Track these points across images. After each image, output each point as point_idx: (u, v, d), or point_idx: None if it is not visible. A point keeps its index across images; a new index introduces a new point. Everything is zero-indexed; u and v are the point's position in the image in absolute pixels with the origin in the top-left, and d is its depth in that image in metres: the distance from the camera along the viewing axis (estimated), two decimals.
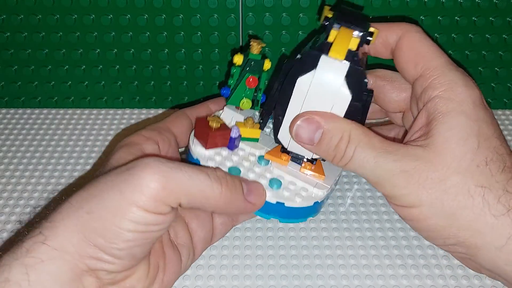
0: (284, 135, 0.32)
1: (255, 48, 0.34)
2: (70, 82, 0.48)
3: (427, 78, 0.30)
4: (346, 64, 0.29)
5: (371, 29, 0.30)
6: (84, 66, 0.47)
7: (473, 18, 0.44)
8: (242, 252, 0.35)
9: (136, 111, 0.49)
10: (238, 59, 0.34)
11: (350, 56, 0.29)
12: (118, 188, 0.24)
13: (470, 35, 0.45)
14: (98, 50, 0.45)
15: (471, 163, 0.27)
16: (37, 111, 0.49)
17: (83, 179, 0.41)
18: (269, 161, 0.33)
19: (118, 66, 0.46)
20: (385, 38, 0.32)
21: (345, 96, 0.29)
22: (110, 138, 0.45)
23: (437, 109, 0.29)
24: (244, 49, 0.35)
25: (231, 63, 0.35)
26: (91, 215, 0.24)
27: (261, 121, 0.34)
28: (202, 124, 0.33)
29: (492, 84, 0.48)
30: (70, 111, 0.49)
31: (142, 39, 0.45)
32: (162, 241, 0.29)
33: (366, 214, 0.38)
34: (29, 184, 0.40)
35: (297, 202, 0.31)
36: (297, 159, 0.33)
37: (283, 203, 0.31)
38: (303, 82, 0.30)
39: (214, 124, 0.32)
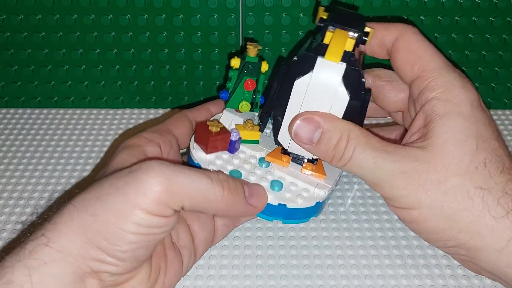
0: (284, 136, 0.32)
1: (252, 51, 0.34)
2: (70, 82, 0.48)
3: (424, 80, 0.30)
4: (343, 66, 0.29)
5: (367, 29, 0.30)
6: (84, 66, 0.47)
7: (473, 18, 0.44)
8: (242, 252, 0.35)
9: (136, 111, 0.49)
10: (235, 62, 0.34)
11: (347, 57, 0.29)
12: (121, 191, 0.24)
13: (470, 35, 0.45)
14: (98, 50, 0.45)
15: (469, 165, 0.27)
16: (37, 111, 0.49)
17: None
18: (270, 162, 0.33)
19: (118, 66, 0.46)
20: (381, 38, 0.32)
21: (343, 97, 0.29)
22: (110, 138, 0.45)
23: (435, 111, 0.29)
24: (245, 48, 0.35)
25: (228, 66, 0.35)
26: (94, 217, 0.24)
27: (261, 123, 0.34)
28: (202, 129, 0.33)
29: (492, 84, 0.48)
30: (70, 111, 0.49)
31: (142, 39, 0.45)
32: (164, 243, 0.29)
33: (366, 214, 0.38)
34: (29, 184, 0.40)
35: (299, 203, 0.31)
36: (297, 159, 0.33)
37: (285, 205, 0.31)
38: (301, 84, 0.30)
39: (213, 129, 0.33)
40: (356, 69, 0.29)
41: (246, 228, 0.36)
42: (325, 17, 0.30)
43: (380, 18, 0.44)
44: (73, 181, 0.40)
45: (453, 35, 0.45)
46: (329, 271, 0.33)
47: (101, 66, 0.47)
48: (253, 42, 0.35)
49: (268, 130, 0.36)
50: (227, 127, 0.34)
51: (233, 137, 0.33)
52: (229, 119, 0.35)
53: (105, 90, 0.48)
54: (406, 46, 0.31)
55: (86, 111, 0.49)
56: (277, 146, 0.34)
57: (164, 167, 0.25)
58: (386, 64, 0.35)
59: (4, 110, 0.49)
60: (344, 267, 0.33)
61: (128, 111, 0.49)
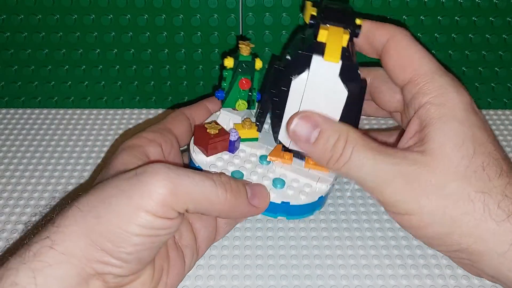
0: (284, 135, 0.32)
1: (245, 50, 0.34)
2: (70, 82, 0.48)
3: (416, 84, 0.30)
4: (339, 62, 0.29)
5: (358, 22, 0.30)
6: (84, 66, 0.47)
7: (473, 18, 0.44)
8: (242, 252, 0.35)
9: (136, 111, 0.49)
10: (229, 62, 0.34)
11: (342, 53, 0.29)
12: (126, 193, 0.25)
13: (470, 35, 0.45)
14: (98, 50, 0.45)
15: (468, 169, 0.27)
16: (37, 111, 0.49)
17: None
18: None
19: (118, 66, 0.46)
20: (371, 39, 0.32)
21: (341, 93, 0.29)
22: (110, 138, 0.45)
23: (430, 115, 0.29)
24: (238, 48, 0.35)
25: (222, 67, 0.35)
26: (98, 219, 0.24)
27: (258, 123, 0.34)
28: (201, 132, 0.33)
29: (492, 84, 0.48)
30: (70, 111, 0.49)
31: (142, 39, 0.45)
32: (167, 244, 0.29)
33: (366, 214, 0.38)
34: (29, 184, 0.40)
35: (302, 200, 0.31)
36: (299, 155, 0.33)
37: (288, 202, 0.31)
38: (298, 83, 0.30)
39: (212, 131, 0.33)
40: (352, 63, 0.29)
41: (246, 228, 0.36)
42: (314, 13, 0.30)
43: (380, 18, 0.44)
44: (73, 181, 0.40)
45: (453, 35, 0.45)
46: (329, 271, 0.33)
47: (101, 66, 0.47)
48: (245, 41, 0.35)
49: (267, 125, 0.36)
50: (225, 126, 0.35)
51: (232, 137, 0.33)
52: (226, 118, 0.35)
53: (105, 90, 0.48)
54: (397, 50, 0.31)
55: (86, 111, 0.49)
56: (276, 144, 0.34)
57: (169, 170, 0.25)
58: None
59: (4, 110, 0.49)
60: (344, 267, 0.33)
61: (128, 111, 0.49)
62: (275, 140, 0.34)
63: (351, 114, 0.31)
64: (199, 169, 0.33)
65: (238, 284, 0.32)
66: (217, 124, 0.34)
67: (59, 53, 0.46)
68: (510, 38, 0.45)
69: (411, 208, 0.28)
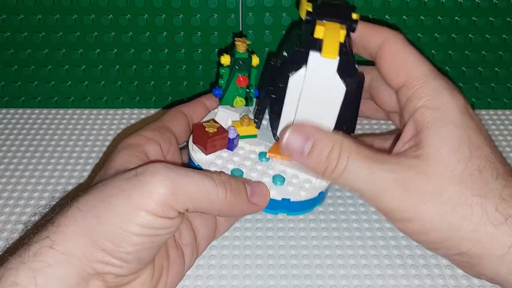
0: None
1: (241, 47, 0.34)
2: (70, 82, 0.48)
3: (410, 88, 0.30)
4: (337, 58, 0.29)
5: (354, 16, 0.30)
6: (84, 66, 0.47)
7: (473, 18, 0.44)
8: (242, 252, 0.35)
9: (136, 111, 0.49)
10: (225, 60, 0.34)
11: (340, 48, 0.29)
12: (126, 193, 0.25)
13: (470, 35, 0.45)
14: (98, 50, 0.46)
15: (464, 173, 0.27)
16: (37, 111, 0.49)
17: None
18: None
19: (118, 66, 0.46)
20: (365, 42, 0.32)
21: (339, 88, 0.29)
22: (110, 138, 0.45)
23: (425, 119, 0.28)
24: (234, 45, 0.35)
25: (219, 64, 0.35)
26: (98, 219, 0.24)
27: (256, 121, 0.34)
28: (199, 130, 0.33)
29: (492, 84, 0.48)
30: (70, 111, 0.49)
31: (142, 39, 0.45)
32: (167, 243, 0.29)
33: (366, 214, 0.38)
34: (29, 184, 0.40)
35: (302, 196, 0.31)
36: None
37: (289, 199, 0.31)
38: (296, 80, 0.30)
39: (210, 130, 0.33)
40: (349, 58, 0.29)
41: (246, 228, 0.36)
42: (310, 9, 0.30)
43: (375, 21, 0.44)
44: (73, 181, 0.40)
45: (453, 35, 0.45)
46: (329, 271, 0.33)
47: (101, 66, 0.47)
48: (240, 38, 0.35)
49: (265, 121, 0.36)
50: (223, 124, 0.34)
51: (231, 135, 0.33)
52: (225, 115, 0.35)
53: (105, 90, 0.48)
54: (391, 53, 0.31)
55: (86, 111, 0.49)
56: (275, 140, 0.34)
57: (169, 170, 0.25)
58: None
59: (4, 110, 0.49)
60: (344, 267, 0.33)
61: (128, 111, 0.49)
62: (274, 137, 0.34)
63: (349, 109, 0.31)
64: (199, 168, 0.33)
65: (238, 284, 0.32)
66: (215, 122, 0.34)
67: (59, 53, 0.46)
68: (510, 38, 0.45)
69: (409, 215, 0.28)
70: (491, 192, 0.27)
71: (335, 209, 0.38)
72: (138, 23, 0.44)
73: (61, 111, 0.49)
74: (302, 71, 0.29)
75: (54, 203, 0.38)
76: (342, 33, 0.29)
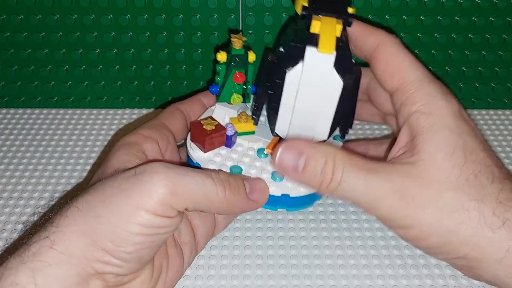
0: (280, 127, 0.32)
1: (237, 43, 0.34)
2: (70, 82, 0.48)
3: (404, 92, 0.30)
4: (333, 53, 0.29)
5: (350, 10, 0.30)
6: (84, 66, 0.47)
7: (473, 18, 0.44)
8: (242, 252, 0.35)
9: (136, 111, 0.49)
10: (222, 56, 0.34)
11: (337, 43, 0.29)
12: (125, 193, 0.25)
13: (470, 35, 0.45)
14: (98, 50, 0.46)
15: (459, 178, 0.27)
16: (37, 111, 0.49)
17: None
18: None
19: (118, 66, 0.46)
20: (360, 44, 0.32)
21: (336, 83, 0.29)
22: (110, 138, 0.45)
23: (419, 124, 0.28)
24: (230, 41, 0.35)
25: (215, 61, 0.35)
26: (98, 219, 0.24)
27: (254, 117, 0.34)
28: (197, 128, 0.33)
29: (492, 84, 0.48)
30: (70, 111, 0.49)
31: (142, 39, 0.45)
32: (166, 242, 0.29)
33: (366, 214, 0.38)
34: (29, 184, 0.40)
35: (302, 191, 0.32)
36: None
37: (288, 194, 0.31)
38: (293, 75, 0.30)
39: (208, 127, 0.33)
40: (345, 52, 0.29)
41: (246, 228, 0.36)
42: (306, 3, 0.30)
43: (380, 17, 0.44)
44: (73, 181, 0.40)
45: (453, 35, 0.45)
46: (329, 271, 0.33)
47: (101, 66, 0.47)
48: (236, 34, 0.34)
49: (263, 118, 0.36)
50: (221, 121, 0.34)
51: (229, 132, 0.33)
52: (222, 113, 0.35)
53: (105, 90, 0.48)
54: (385, 56, 0.31)
55: (86, 111, 0.49)
56: (274, 136, 0.34)
57: (168, 169, 0.25)
58: None
59: (4, 110, 0.49)
60: (344, 267, 0.33)
61: (128, 111, 0.49)
62: (272, 133, 0.34)
63: (347, 104, 0.31)
64: (197, 166, 0.33)
65: (237, 284, 0.32)
66: (213, 119, 0.34)
67: (59, 53, 0.46)
68: (510, 38, 0.45)
69: (408, 222, 0.27)
70: (488, 196, 0.27)
71: (335, 209, 0.38)
72: (138, 23, 0.44)
73: (61, 111, 0.49)
74: (299, 66, 0.29)
75: (53, 203, 0.38)
76: (339, 27, 0.29)
